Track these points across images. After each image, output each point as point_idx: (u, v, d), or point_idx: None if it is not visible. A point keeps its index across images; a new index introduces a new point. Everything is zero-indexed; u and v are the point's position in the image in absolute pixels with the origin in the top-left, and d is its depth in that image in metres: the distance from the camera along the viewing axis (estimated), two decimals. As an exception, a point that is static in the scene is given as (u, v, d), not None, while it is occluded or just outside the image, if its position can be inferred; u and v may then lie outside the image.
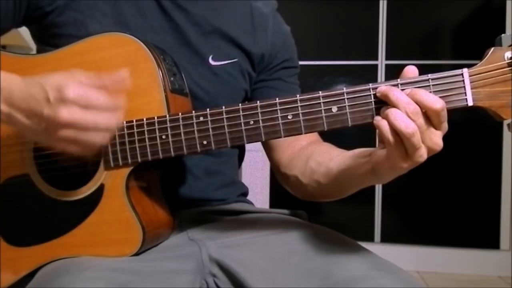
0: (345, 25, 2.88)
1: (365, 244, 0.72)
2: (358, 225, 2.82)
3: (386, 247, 2.72)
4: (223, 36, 0.85)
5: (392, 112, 0.57)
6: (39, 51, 0.85)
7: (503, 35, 0.59)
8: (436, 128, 0.58)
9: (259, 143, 0.74)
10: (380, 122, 0.58)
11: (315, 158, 0.79)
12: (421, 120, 0.57)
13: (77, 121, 0.58)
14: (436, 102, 0.57)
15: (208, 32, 0.83)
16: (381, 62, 2.80)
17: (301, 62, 0.95)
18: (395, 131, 0.57)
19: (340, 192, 0.76)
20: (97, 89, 0.59)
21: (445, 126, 0.59)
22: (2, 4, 0.75)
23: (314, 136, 0.88)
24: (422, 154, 0.58)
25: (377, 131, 0.59)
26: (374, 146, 0.65)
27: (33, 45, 0.87)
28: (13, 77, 0.62)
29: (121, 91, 0.61)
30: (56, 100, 0.58)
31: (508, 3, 2.68)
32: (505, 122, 0.60)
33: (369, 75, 2.77)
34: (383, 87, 0.60)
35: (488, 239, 2.70)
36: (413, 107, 0.57)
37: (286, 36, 0.93)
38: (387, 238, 2.80)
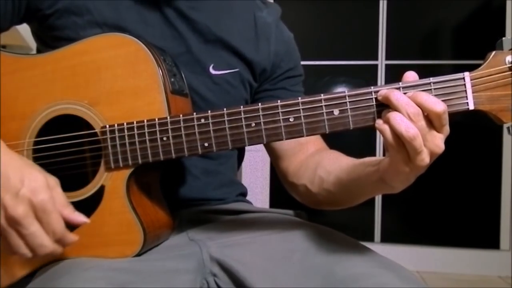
0: (345, 25, 2.87)
1: (365, 244, 0.72)
2: (358, 225, 2.82)
3: (386, 247, 2.72)
4: (225, 46, 0.84)
5: (393, 115, 0.57)
6: (39, 51, 0.84)
7: (504, 38, 0.59)
8: (437, 131, 0.58)
9: (261, 144, 0.74)
10: (382, 126, 0.58)
11: (324, 166, 0.79)
12: (422, 122, 0.57)
13: (23, 223, 0.59)
14: (437, 105, 0.56)
15: (210, 41, 0.83)
16: (381, 62, 2.80)
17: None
18: (396, 134, 0.57)
19: (352, 200, 0.76)
20: (65, 213, 0.62)
21: (446, 129, 0.58)
22: (1, 4, 0.74)
23: (321, 143, 0.88)
24: (424, 158, 0.57)
25: (377, 133, 0.59)
26: (374, 148, 0.64)
27: (33, 45, 0.87)
28: (5, 151, 0.62)
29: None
30: (23, 197, 0.59)
31: (508, 3, 2.67)
32: (505, 126, 0.60)
33: (369, 75, 2.77)
34: (384, 90, 0.60)
35: (488, 239, 2.70)
36: (414, 109, 0.57)
37: (289, 44, 0.92)
38: (387, 238, 2.80)
